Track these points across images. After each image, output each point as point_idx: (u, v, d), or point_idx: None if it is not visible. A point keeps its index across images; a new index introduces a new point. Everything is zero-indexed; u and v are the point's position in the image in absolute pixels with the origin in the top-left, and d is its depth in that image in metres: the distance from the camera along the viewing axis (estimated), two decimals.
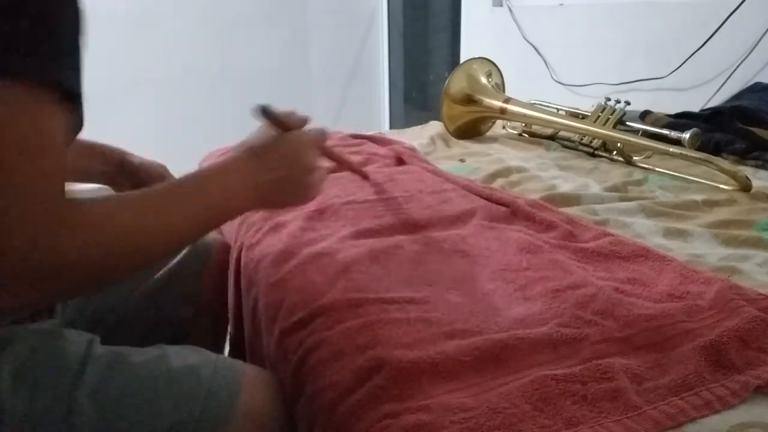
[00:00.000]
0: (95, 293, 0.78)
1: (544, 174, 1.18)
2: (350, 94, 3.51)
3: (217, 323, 0.96)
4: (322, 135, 0.75)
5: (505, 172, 1.19)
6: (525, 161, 1.28)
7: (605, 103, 1.34)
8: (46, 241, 0.46)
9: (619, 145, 1.26)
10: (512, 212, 0.91)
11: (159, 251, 0.58)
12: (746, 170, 1.10)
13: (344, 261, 0.74)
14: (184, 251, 0.91)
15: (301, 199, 0.72)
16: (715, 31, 1.61)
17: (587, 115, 1.36)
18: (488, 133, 1.58)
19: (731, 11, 1.56)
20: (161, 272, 0.89)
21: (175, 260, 0.90)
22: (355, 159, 1.26)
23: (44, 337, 0.60)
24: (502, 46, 2.34)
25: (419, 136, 1.54)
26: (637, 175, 1.16)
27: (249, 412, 0.61)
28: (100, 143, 0.88)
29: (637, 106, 1.39)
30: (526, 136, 1.54)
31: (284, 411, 0.63)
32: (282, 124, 0.70)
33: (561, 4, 2.16)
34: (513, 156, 1.34)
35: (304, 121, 0.73)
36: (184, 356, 0.64)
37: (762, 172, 1.15)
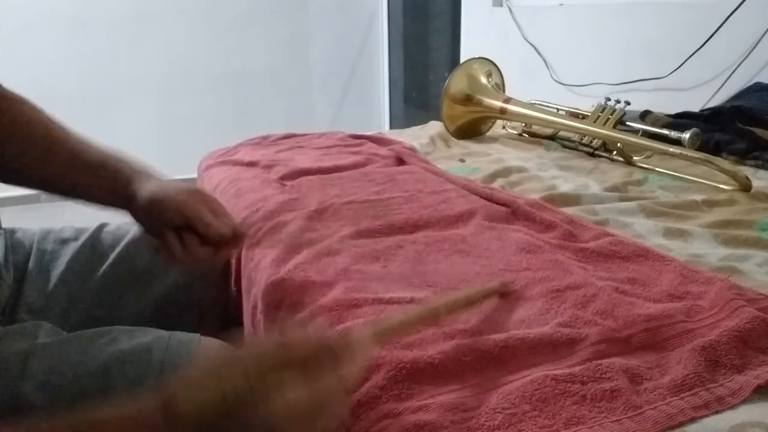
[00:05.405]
0: None
1: (544, 174, 1.18)
2: (350, 94, 3.51)
3: (221, 324, 0.96)
4: None
5: (505, 172, 1.19)
6: (525, 161, 1.27)
7: (605, 103, 1.34)
8: None
9: (619, 145, 1.26)
10: (512, 212, 0.91)
11: None
12: (746, 170, 1.10)
13: (344, 261, 0.75)
14: None
15: None
16: (715, 31, 1.61)
17: (587, 115, 1.36)
18: (488, 133, 1.58)
19: (731, 11, 1.56)
20: (170, 280, 0.85)
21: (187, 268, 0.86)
22: (355, 159, 1.26)
23: None
24: (502, 46, 2.34)
25: (419, 136, 1.54)
26: (637, 175, 1.16)
27: None
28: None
29: (637, 106, 1.39)
30: (526, 136, 1.54)
31: None
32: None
33: (561, 4, 2.16)
34: (513, 156, 1.34)
35: None
36: (135, 336, 0.62)
37: (762, 172, 1.15)
